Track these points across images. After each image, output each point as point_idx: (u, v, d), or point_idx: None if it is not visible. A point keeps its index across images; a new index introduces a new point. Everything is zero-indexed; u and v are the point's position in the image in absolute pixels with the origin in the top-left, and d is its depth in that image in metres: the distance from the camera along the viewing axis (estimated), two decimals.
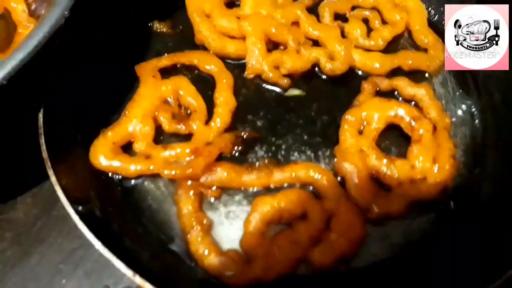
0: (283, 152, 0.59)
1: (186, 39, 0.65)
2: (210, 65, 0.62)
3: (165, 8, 0.68)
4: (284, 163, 0.58)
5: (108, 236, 0.46)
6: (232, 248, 0.52)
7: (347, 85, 0.63)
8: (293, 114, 0.62)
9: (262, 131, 0.60)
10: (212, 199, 0.55)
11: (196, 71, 0.63)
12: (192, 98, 0.60)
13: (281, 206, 0.52)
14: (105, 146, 0.55)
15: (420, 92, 0.60)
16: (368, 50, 0.64)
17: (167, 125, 0.58)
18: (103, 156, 0.54)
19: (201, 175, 0.54)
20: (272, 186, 0.55)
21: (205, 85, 0.62)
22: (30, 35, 0.46)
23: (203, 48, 0.64)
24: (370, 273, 0.52)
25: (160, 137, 0.58)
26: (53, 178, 0.47)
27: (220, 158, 0.57)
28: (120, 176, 0.55)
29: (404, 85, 0.61)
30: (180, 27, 0.67)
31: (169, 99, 0.60)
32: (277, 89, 0.63)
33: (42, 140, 0.49)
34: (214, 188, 0.55)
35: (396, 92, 0.62)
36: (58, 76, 0.54)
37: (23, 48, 0.44)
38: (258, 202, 0.52)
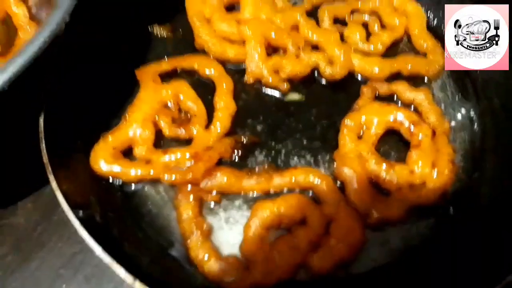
0: (282, 157, 0.59)
1: (186, 43, 0.66)
2: (210, 70, 0.63)
3: (166, 12, 0.68)
4: (284, 168, 0.58)
5: (108, 241, 0.46)
6: (232, 253, 0.52)
7: (347, 89, 0.63)
8: (292, 118, 0.62)
9: (262, 135, 0.60)
10: (212, 204, 0.55)
11: (196, 76, 0.63)
12: (192, 102, 0.60)
13: (281, 211, 0.52)
14: (105, 151, 0.55)
15: (419, 96, 0.60)
16: (367, 54, 0.64)
17: (167, 130, 0.58)
18: (104, 160, 0.55)
19: (201, 180, 0.54)
20: (271, 191, 0.55)
21: (205, 89, 0.62)
22: (30, 40, 0.46)
23: (203, 52, 0.64)
24: (370, 278, 0.52)
25: (160, 141, 0.59)
26: (53, 183, 0.48)
27: (220, 162, 0.57)
28: (121, 181, 0.56)
29: (403, 90, 0.61)
30: (180, 31, 0.67)
31: (169, 104, 0.60)
32: (277, 94, 0.63)
33: (43, 145, 0.49)
34: (214, 193, 0.55)
35: (395, 97, 0.62)
36: (59, 81, 0.54)
37: (23, 53, 0.45)
38: (258, 207, 0.52)
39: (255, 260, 0.50)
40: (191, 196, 0.53)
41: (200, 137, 0.57)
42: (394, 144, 0.60)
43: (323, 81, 0.63)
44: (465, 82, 0.65)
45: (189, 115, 0.60)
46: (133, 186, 0.56)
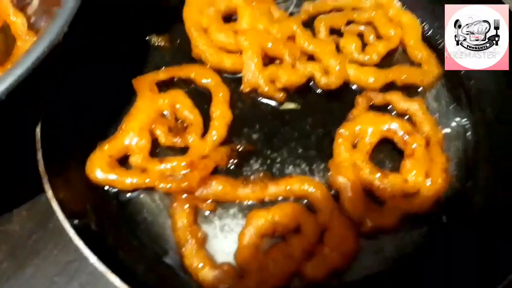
0: (278, 165, 0.59)
1: (184, 53, 0.66)
2: (207, 79, 0.63)
3: (163, 22, 0.69)
4: (279, 176, 0.58)
5: (104, 250, 0.47)
6: (227, 261, 0.52)
7: (342, 99, 0.63)
8: (288, 127, 0.62)
9: (258, 144, 0.61)
10: (207, 212, 0.56)
11: (193, 85, 0.64)
12: (188, 111, 0.60)
13: (275, 220, 0.52)
14: (101, 159, 0.55)
15: (413, 106, 0.61)
16: (362, 64, 0.65)
17: (164, 138, 0.58)
18: (100, 169, 0.55)
19: (196, 189, 0.54)
20: (266, 199, 0.56)
21: (201, 98, 0.62)
22: (28, 50, 0.46)
23: (200, 62, 0.65)
24: (363, 287, 0.53)
25: (156, 150, 0.59)
26: (49, 193, 0.48)
27: (216, 171, 0.57)
28: (116, 189, 0.56)
29: (397, 100, 0.61)
30: (178, 41, 0.68)
31: (165, 113, 0.61)
32: (273, 103, 0.64)
33: (40, 155, 0.50)
34: (209, 201, 0.55)
35: (390, 107, 0.62)
36: (56, 90, 0.55)
37: (21, 64, 0.45)
38: (253, 215, 0.53)
39: (249, 268, 0.50)
40: (187, 205, 0.53)
41: (196, 145, 0.58)
42: (388, 153, 0.60)
43: (319, 91, 0.64)
44: (459, 92, 0.65)
45: (185, 124, 0.60)
46: (128, 194, 0.56)
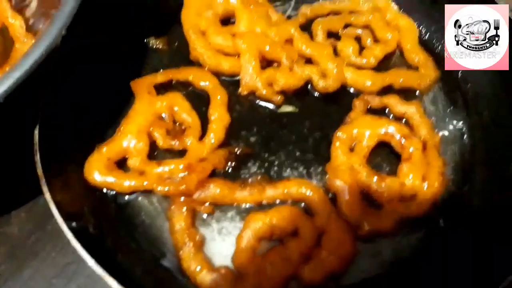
0: (275, 168, 0.60)
1: (182, 55, 0.66)
2: (205, 82, 0.63)
3: (162, 24, 0.69)
4: (277, 179, 0.58)
5: (102, 252, 0.47)
6: (225, 264, 0.52)
7: (339, 102, 0.64)
8: (286, 130, 0.62)
9: (256, 147, 0.61)
10: (205, 215, 0.56)
11: (191, 87, 0.64)
12: (186, 114, 0.61)
13: (273, 223, 0.53)
14: (99, 162, 0.55)
15: (410, 110, 0.61)
16: (360, 68, 0.65)
17: (162, 141, 0.58)
18: (98, 171, 0.55)
19: (194, 191, 0.54)
20: (264, 202, 0.56)
21: (199, 101, 0.62)
22: (26, 53, 0.46)
23: (198, 64, 0.65)
24: None
25: (154, 152, 0.59)
26: (47, 195, 0.48)
27: (213, 174, 0.57)
28: (114, 192, 0.56)
29: (395, 103, 0.62)
30: (176, 43, 0.68)
31: (163, 115, 0.61)
32: (271, 106, 0.64)
33: (38, 157, 0.50)
34: (207, 204, 0.55)
35: (387, 110, 0.63)
36: (54, 93, 0.55)
37: (19, 66, 0.45)
38: (251, 218, 0.53)
39: (247, 271, 0.50)
40: (184, 207, 0.54)
41: (194, 148, 0.58)
42: (385, 156, 0.60)
43: (316, 94, 0.64)
44: (456, 95, 0.65)
45: (183, 126, 0.61)
46: (126, 197, 0.56)
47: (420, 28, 0.69)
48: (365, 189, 0.56)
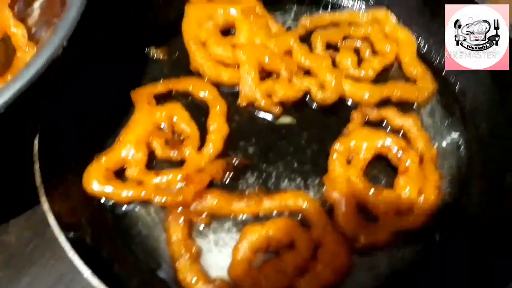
0: (273, 179, 0.60)
1: (182, 65, 0.67)
2: (205, 92, 0.64)
3: (162, 35, 0.69)
4: (275, 191, 0.58)
5: (98, 263, 0.47)
6: (221, 275, 0.53)
7: (337, 114, 0.64)
8: (284, 141, 0.63)
9: (254, 158, 0.61)
10: (202, 226, 0.56)
11: (191, 98, 0.65)
12: (185, 124, 0.61)
13: (269, 234, 0.53)
14: (98, 172, 0.56)
15: (408, 122, 0.61)
16: (358, 80, 0.65)
17: (160, 151, 0.59)
18: (96, 181, 0.55)
19: (191, 202, 0.55)
20: (261, 214, 0.56)
21: (199, 111, 0.63)
22: (28, 64, 0.47)
23: (198, 75, 0.66)
24: None
25: (153, 162, 0.59)
26: (45, 205, 0.48)
27: (211, 184, 0.58)
28: (112, 202, 0.56)
29: (392, 116, 0.62)
30: (177, 53, 0.69)
31: (162, 125, 0.61)
32: (269, 117, 0.64)
33: (37, 167, 0.50)
34: (204, 215, 0.55)
35: (385, 122, 0.63)
36: (55, 103, 0.55)
37: (21, 77, 0.46)
38: (247, 230, 0.53)
39: (242, 283, 0.50)
40: (181, 218, 0.54)
41: (192, 159, 0.58)
42: (383, 168, 0.61)
43: (315, 106, 0.65)
44: (453, 108, 0.66)
45: (182, 137, 0.61)
46: (124, 207, 0.57)
47: (419, 41, 0.70)
48: (362, 202, 0.57)
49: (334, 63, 0.66)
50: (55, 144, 0.54)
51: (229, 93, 0.65)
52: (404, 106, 0.64)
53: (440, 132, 0.64)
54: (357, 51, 0.68)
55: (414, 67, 0.67)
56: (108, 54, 0.64)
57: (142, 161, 0.57)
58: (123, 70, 0.65)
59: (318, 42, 0.68)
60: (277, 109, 0.63)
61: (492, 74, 0.63)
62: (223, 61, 0.65)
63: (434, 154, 0.59)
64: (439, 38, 0.67)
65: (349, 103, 0.65)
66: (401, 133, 0.62)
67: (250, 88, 0.63)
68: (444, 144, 0.63)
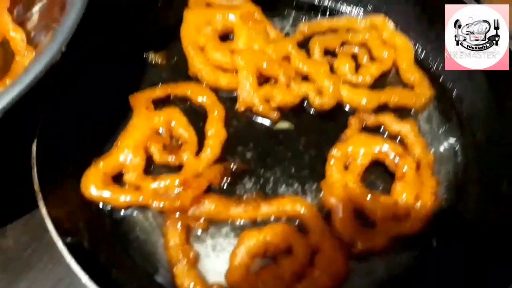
0: (271, 185, 0.60)
1: (181, 70, 0.67)
2: (203, 97, 0.64)
3: (161, 40, 0.70)
4: (272, 196, 0.59)
5: (96, 268, 0.47)
6: (219, 281, 0.53)
7: (335, 119, 0.64)
8: (282, 147, 0.63)
9: (251, 163, 0.61)
10: (199, 231, 0.56)
11: (189, 102, 0.65)
12: (183, 129, 0.61)
13: (267, 240, 0.53)
14: (96, 176, 0.56)
15: (405, 128, 0.61)
16: (356, 85, 0.66)
17: (158, 156, 0.59)
18: (94, 186, 0.55)
19: (189, 207, 0.55)
20: (259, 219, 0.56)
21: (197, 116, 0.63)
22: (26, 69, 0.47)
23: (197, 80, 0.66)
24: None
25: (151, 167, 0.59)
26: (43, 210, 0.48)
27: (209, 189, 0.58)
28: (110, 207, 0.56)
29: (390, 121, 0.62)
30: (175, 58, 0.69)
31: (161, 130, 0.61)
32: (267, 122, 0.65)
33: (35, 172, 0.50)
34: (201, 220, 0.55)
35: (382, 128, 0.63)
36: (53, 107, 0.55)
37: (19, 82, 0.46)
38: (245, 235, 0.53)
39: None
40: (179, 223, 0.54)
41: (190, 164, 0.58)
42: (380, 174, 0.61)
43: (312, 111, 0.65)
44: (450, 114, 0.66)
45: (180, 142, 0.61)
46: (122, 212, 0.57)
47: (416, 47, 0.70)
48: (359, 207, 0.57)
49: (332, 69, 0.66)
50: (53, 149, 0.54)
51: (227, 98, 0.65)
52: (402, 112, 0.65)
53: (437, 138, 0.65)
54: (355, 57, 0.69)
55: (411, 73, 0.67)
56: (106, 58, 0.64)
57: (140, 166, 0.57)
58: (122, 74, 0.65)
59: (316, 48, 0.68)
60: (275, 114, 0.64)
61: (489, 81, 0.63)
62: (222, 66, 0.65)
63: (431, 160, 0.59)
64: (436, 45, 0.68)
65: (347, 108, 0.65)
66: (398, 139, 0.62)
67: (248, 93, 0.63)
68: (441, 150, 0.64)
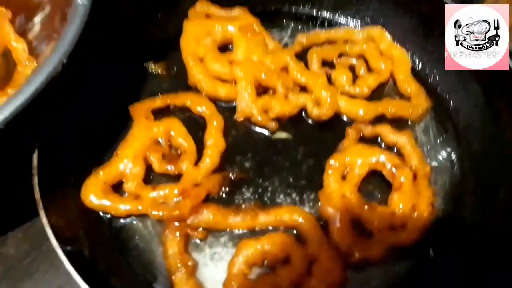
0: (269, 194, 0.61)
1: (180, 80, 0.68)
2: (202, 107, 0.65)
3: (161, 50, 0.70)
4: (270, 205, 0.59)
5: (95, 276, 0.48)
6: None
7: (333, 130, 0.65)
8: (280, 156, 0.64)
9: (250, 172, 0.62)
10: (198, 240, 0.56)
11: (188, 113, 0.65)
12: (182, 139, 0.62)
13: (265, 249, 0.53)
14: (96, 185, 0.56)
15: (402, 139, 0.62)
16: (353, 96, 0.66)
17: (157, 166, 0.59)
18: (94, 195, 0.56)
19: (188, 217, 0.55)
20: (257, 228, 0.57)
21: (196, 126, 0.64)
22: (28, 80, 0.47)
23: (196, 90, 0.66)
24: None
25: (150, 176, 0.60)
26: (43, 219, 0.49)
27: (208, 198, 0.58)
28: (109, 216, 0.57)
29: (387, 132, 0.63)
30: (175, 68, 0.69)
31: (160, 140, 0.62)
32: (266, 132, 0.65)
33: (35, 181, 0.51)
34: (200, 229, 0.56)
35: (379, 139, 0.64)
36: (54, 118, 0.56)
37: (20, 94, 0.46)
38: (243, 245, 0.54)
39: None
40: (178, 232, 0.54)
41: (189, 173, 0.59)
42: (377, 184, 0.61)
43: (310, 121, 0.66)
44: (447, 125, 0.67)
45: (179, 151, 0.62)
46: (121, 221, 0.57)
47: (413, 59, 0.71)
48: (356, 217, 0.57)
49: (329, 80, 0.67)
50: (54, 158, 0.54)
51: (226, 108, 0.66)
52: (399, 123, 0.65)
53: (434, 148, 0.65)
54: (352, 68, 0.69)
55: (408, 85, 0.68)
56: (107, 68, 0.65)
57: (140, 175, 0.58)
58: (122, 84, 0.66)
59: (314, 59, 0.69)
60: (273, 125, 0.64)
61: (485, 92, 0.64)
62: (221, 77, 0.66)
63: (428, 171, 0.60)
64: (433, 56, 0.69)
65: (345, 119, 0.66)
66: (395, 150, 0.63)
67: (247, 104, 0.64)
68: (437, 160, 0.64)
